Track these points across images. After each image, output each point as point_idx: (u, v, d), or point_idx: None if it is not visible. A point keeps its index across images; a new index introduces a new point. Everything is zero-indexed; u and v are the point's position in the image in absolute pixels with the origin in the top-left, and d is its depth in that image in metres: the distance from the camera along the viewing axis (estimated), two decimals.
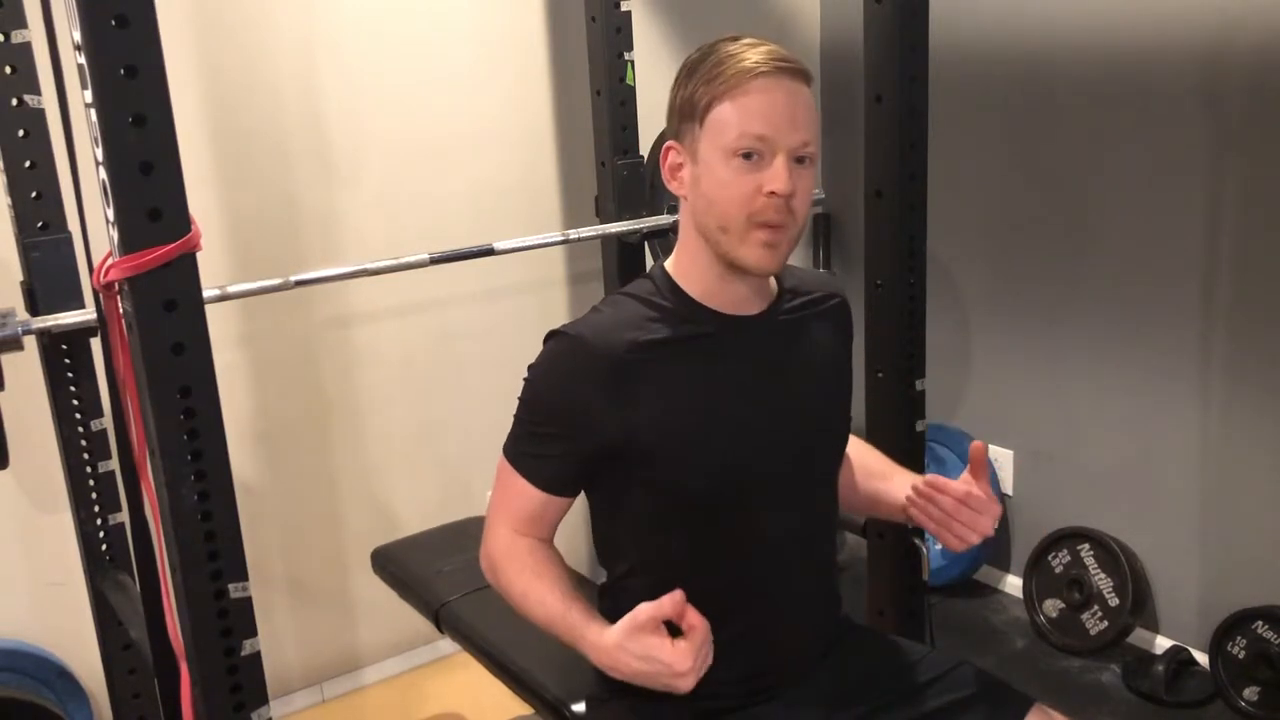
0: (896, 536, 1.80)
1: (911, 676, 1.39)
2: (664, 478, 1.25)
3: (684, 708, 1.27)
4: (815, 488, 1.38)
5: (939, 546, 2.72)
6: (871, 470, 1.49)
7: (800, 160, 1.20)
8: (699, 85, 1.20)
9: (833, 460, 1.41)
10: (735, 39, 1.22)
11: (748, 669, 1.31)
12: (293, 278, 1.86)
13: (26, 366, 1.65)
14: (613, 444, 1.24)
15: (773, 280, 1.34)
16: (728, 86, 1.18)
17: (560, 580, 1.26)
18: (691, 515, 1.27)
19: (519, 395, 1.29)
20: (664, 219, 2.28)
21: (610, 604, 1.32)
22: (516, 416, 1.29)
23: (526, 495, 1.28)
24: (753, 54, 1.19)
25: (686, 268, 1.28)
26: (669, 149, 1.26)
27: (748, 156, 1.18)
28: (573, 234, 2.25)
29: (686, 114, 1.23)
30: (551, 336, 1.27)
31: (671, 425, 1.24)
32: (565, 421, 1.25)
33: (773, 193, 1.18)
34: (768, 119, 1.17)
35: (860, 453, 1.52)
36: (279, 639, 2.36)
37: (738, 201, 1.19)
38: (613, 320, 1.26)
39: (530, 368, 1.28)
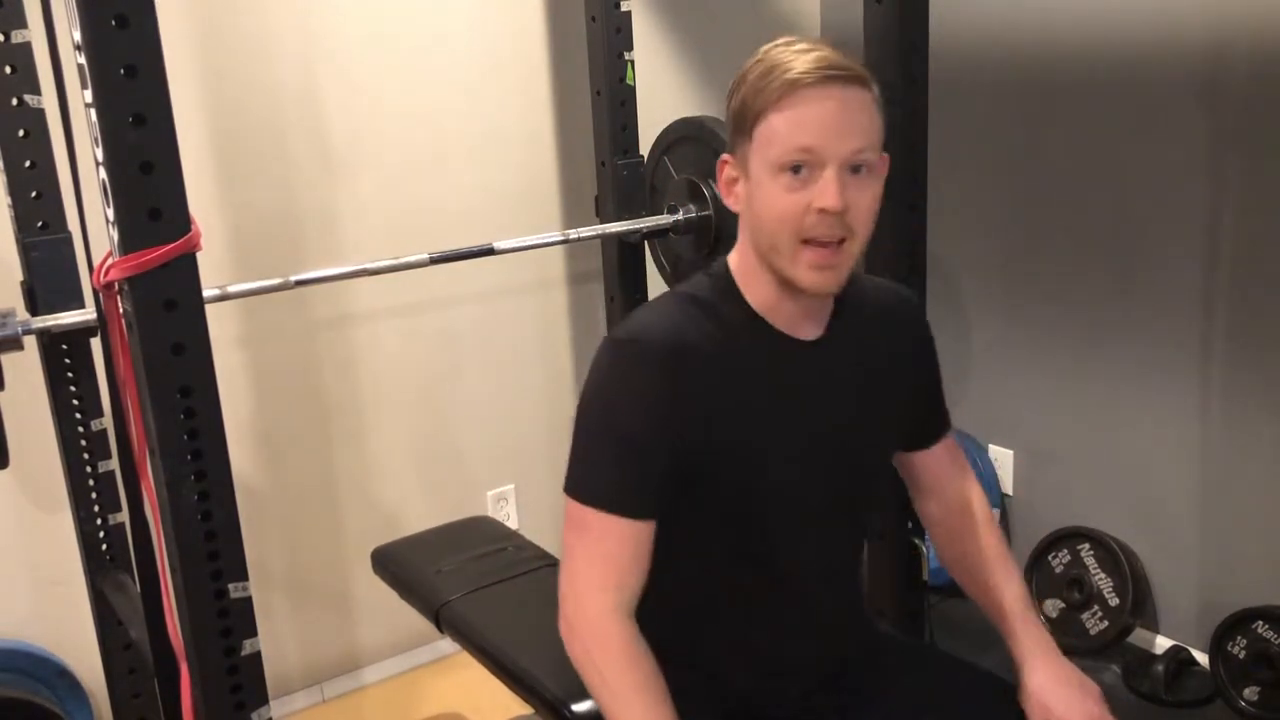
0: (896, 536, 1.80)
1: (908, 674, 1.40)
2: (713, 498, 1.21)
3: (688, 708, 1.26)
4: (858, 507, 1.36)
5: None
6: (988, 570, 1.44)
7: (857, 169, 1.12)
8: (748, 96, 1.14)
9: (881, 479, 1.39)
10: (789, 43, 1.14)
11: (762, 674, 1.31)
12: (293, 278, 1.86)
13: (26, 366, 1.66)
14: (676, 458, 1.17)
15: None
16: (775, 96, 1.11)
17: (667, 699, 1.16)
18: (733, 535, 1.25)
19: (579, 423, 1.18)
20: (664, 219, 2.28)
21: None
22: (582, 447, 1.18)
23: (621, 534, 1.16)
24: (800, 61, 1.11)
25: (747, 275, 1.22)
26: (724, 163, 1.20)
27: (796, 170, 1.11)
28: (573, 234, 2.26)
29: (738, 126, 1.16)
30: (612, 344, 1.19)
31: (726, 445, 1.19)
32: (648, 433, 1.15)
33: (822, 209, 1.10)
34: (814, 129, 1.10)
35: (986, 534, 1.43)
36: (279, 639, 2.36)
37: (786, 219, 1.12)
38: (677, 323, 1.18)
39: (594, 386, 1.18)
